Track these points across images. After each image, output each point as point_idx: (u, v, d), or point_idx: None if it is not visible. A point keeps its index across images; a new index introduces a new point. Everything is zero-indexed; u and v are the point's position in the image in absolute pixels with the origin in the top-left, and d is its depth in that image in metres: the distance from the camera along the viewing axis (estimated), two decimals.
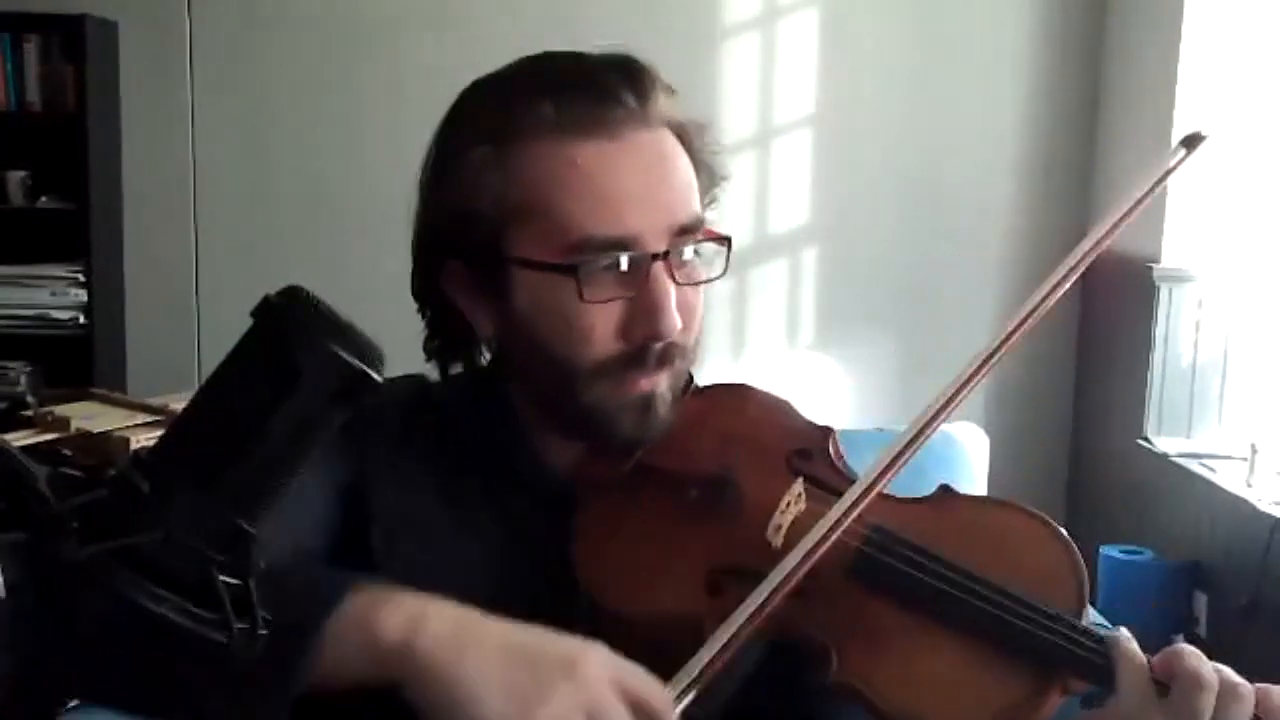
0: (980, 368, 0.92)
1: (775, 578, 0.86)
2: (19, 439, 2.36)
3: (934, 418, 0.92)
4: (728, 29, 3.91)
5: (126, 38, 3.87)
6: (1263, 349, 3.34)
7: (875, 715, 0.87)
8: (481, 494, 1.02)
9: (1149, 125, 3.50)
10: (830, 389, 3.91)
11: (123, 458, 2.33)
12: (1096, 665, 0.88)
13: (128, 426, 2.47)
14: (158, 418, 2.52)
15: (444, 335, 1.05)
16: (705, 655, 0.83)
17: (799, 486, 0.96)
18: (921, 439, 0.91)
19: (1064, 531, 0.96)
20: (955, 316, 3.87)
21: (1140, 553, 3.18)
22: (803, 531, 0.88)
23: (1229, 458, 3.13)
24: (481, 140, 0.96)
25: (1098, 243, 0.97)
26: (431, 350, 1.07)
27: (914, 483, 0.99)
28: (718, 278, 1.00)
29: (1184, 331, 3.38)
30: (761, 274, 3.96)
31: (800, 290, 4.01)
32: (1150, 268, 3.38)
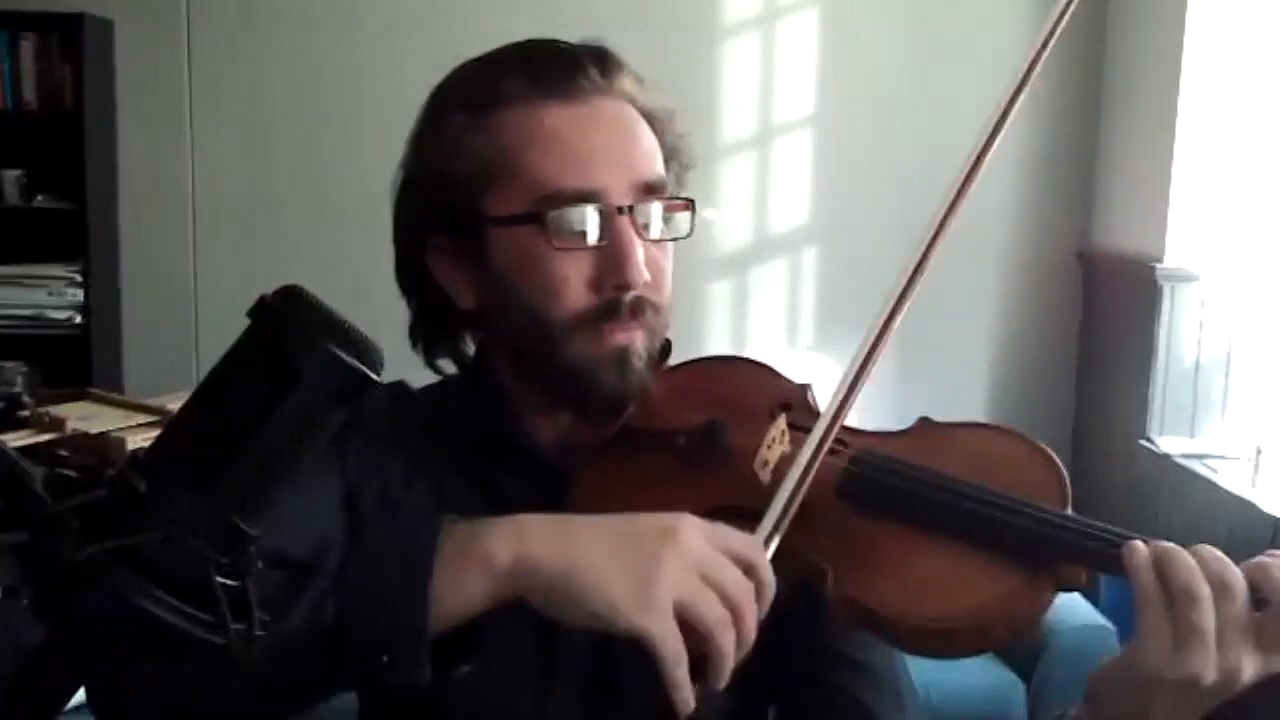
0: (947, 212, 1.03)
1: (819, 430, 0.92)
2: (16, 439, 2.36)
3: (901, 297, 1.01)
4: (728, 29, 3.91)
5: (123, 36, 3.86)
6: (1266, 349, 3.33)
7: (876, 627, 0.89)
8: (471, 487, 1.03)
9: (1150, 126, 3.50)
10: (830, 389, 3.90)
11: (120, 458, 2.32)
12: (1086, 547, 0.87)
13: (125, 427, 2.47)
14: (155, 418, 2.53)
15: (429, 319, 1.08)
16: (779, 503, 0.88)
17: (782, 423, 0.99)
18: (896, 317, 1.00)
19: (1040, 442, 0.99)
20: (955, 317, 3.87)
21: None
22: (790, 465, 0.92)
23: (1233, 458, 3.13)
24: (458, 109, 1.01)
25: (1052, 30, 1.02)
26: (418, 337, 1.09)
27: None
28: (684, 237, 1.04)
29: (1187, 331, 3.38)
30: (761, 274, 3.96)
31: (800, 290, 4.01)
32: (1153, 267, 3.38)
